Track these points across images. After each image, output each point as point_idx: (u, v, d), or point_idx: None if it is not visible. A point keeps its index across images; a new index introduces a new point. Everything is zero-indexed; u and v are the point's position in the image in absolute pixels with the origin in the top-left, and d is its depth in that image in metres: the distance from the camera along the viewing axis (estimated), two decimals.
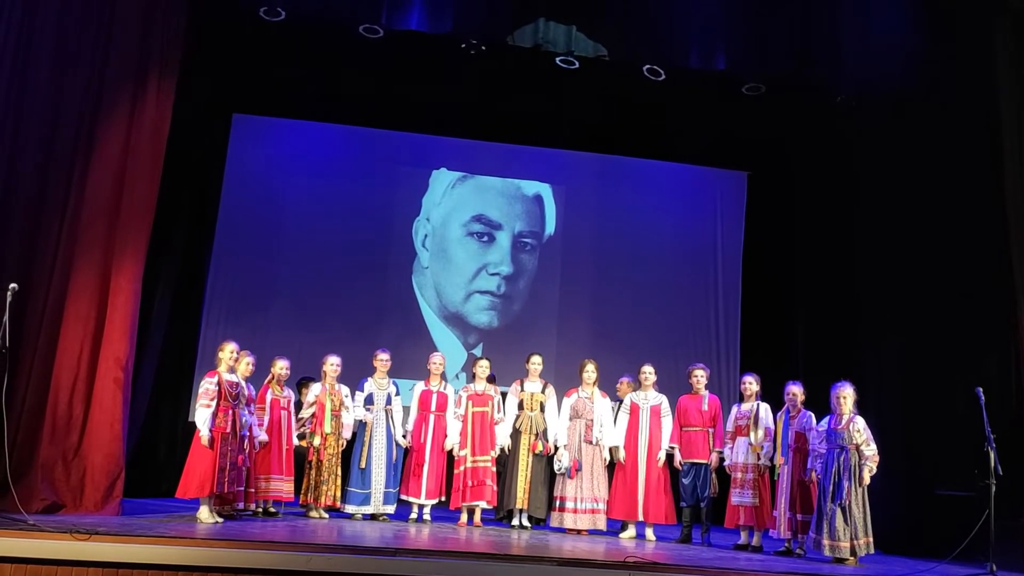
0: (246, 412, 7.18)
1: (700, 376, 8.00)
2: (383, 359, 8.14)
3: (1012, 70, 7.86)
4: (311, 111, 10.60)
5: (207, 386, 6.87)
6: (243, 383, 7.15)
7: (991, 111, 7.91)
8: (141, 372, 8.44)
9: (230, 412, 6.92)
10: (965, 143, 8.23)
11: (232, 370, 7.08)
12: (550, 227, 11.09)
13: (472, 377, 8.41)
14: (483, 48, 9.10)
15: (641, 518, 7.78)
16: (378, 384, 8.08)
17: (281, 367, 7.93)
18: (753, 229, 11.30)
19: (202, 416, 6.80)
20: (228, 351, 7.06)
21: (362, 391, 8.03)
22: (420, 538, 6.79)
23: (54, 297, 7.10)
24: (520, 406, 8.09)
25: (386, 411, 8.02)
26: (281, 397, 7.92)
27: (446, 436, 8.01)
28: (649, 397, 8.01)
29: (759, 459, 7.53)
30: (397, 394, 8.13)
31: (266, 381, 7.88)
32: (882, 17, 8.45)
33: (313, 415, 7.89)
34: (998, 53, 7.94)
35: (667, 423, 7.94)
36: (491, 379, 8.32)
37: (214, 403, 6.84)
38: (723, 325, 11.10)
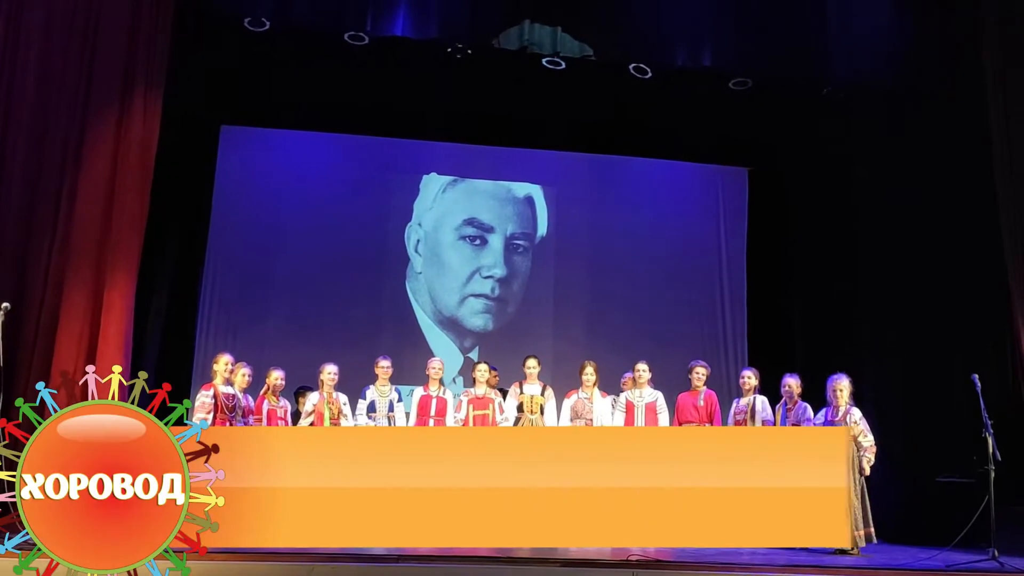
0: (242, 424, 7.16)
1: (701, 373, 7.98)
2: (384, 366, 8.10)
3: (997, 53, 7.87)
4: (298, 120, 10.56)
5: (202, 399, 6.86)
6: (239, 395, 7.13)
7: (978, 97, 7.94)
8: None
9: (227, 424, 6.90)
10: (956, 130, 8.26)
11: (228, 382, 7.06)
12: (542, 228, 11.09)
13: (472, 381, 8.40)
14: (469, 52, 9.10)
15: None
16: (380, 391, 8.05)
17: (276, 377, 7.89)
18: (754, 224, 11.31)
19: None
20: (223, 363, 7.05)
21: (364, 399, 8.01)
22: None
23: (47, 315, 7.08)
24: (520, 408, 8.08)
25: (388, 418, 8.00)
26: (277, 407, 7.87)
27: None
28: (644, 395, 8.00)
29: None
30: (399, 400, 8.11)
31: (262, 392, 7.85)
32: (866, 5, 8.49)
33: (311, 424, 7.87)
34: (983, 37, 7.96)
35: (663, 420, 7.92)
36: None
37: (210, 416, 6.82)
38: (729, 321, 11.08)
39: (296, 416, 8.11)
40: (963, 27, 8.14)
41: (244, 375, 7.26)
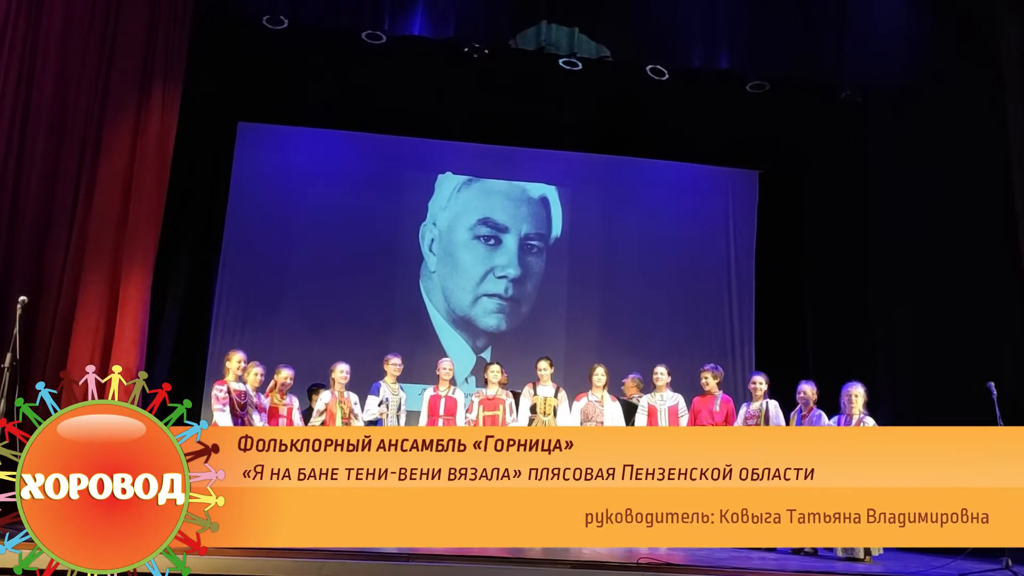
0: (254, 420, 7.20)
1: (708, 378, 7.94)
2: (395, 363, 8.10)
3: (1015, 53, 7.77)
4: (315, 118, 10.60)
5: (217, 392, 6.91)
6: (251, 392, 7.17)
7: (997, 99, 7.85)
8: (151, 383, 8.44)
9: (237, 421, 6.94)
10: (973, 133, 8.18)
11: (240, 380, 7.10)
12: (556, 229, 11.08)
13: (484, 382, 8.40)
14: (486, 52, 9.10)
15: None
16: (391, 389, 8.07)
17: (285, 376, 7.87)
18: (765, 228, 11.26)
19: (222, 420, 6.82)
20: (235, 361, 7.08)
21: (376, 395, 8.00)
22: None
23: (63, 309, 7.15)
24: (533, 410, 8.07)
25: (397, 417, 8.01)
26: (281, 405, 7.82)
27: None
28: (665, 398, 7.96)
29: None
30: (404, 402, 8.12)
31: (268, 389, 7.84)
32: (883, 7, 8.42)
33: (323, 423, 7.88)
34: (1000, 38, 7.87)
35: (684, 423, 7.89)
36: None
37: (227, 408, 6.87)
38: (737, 324, 11.05)
39: (309, 413, 8.12)
40: (980, 28, 8.05)
41: (256, 374, 7.28)
